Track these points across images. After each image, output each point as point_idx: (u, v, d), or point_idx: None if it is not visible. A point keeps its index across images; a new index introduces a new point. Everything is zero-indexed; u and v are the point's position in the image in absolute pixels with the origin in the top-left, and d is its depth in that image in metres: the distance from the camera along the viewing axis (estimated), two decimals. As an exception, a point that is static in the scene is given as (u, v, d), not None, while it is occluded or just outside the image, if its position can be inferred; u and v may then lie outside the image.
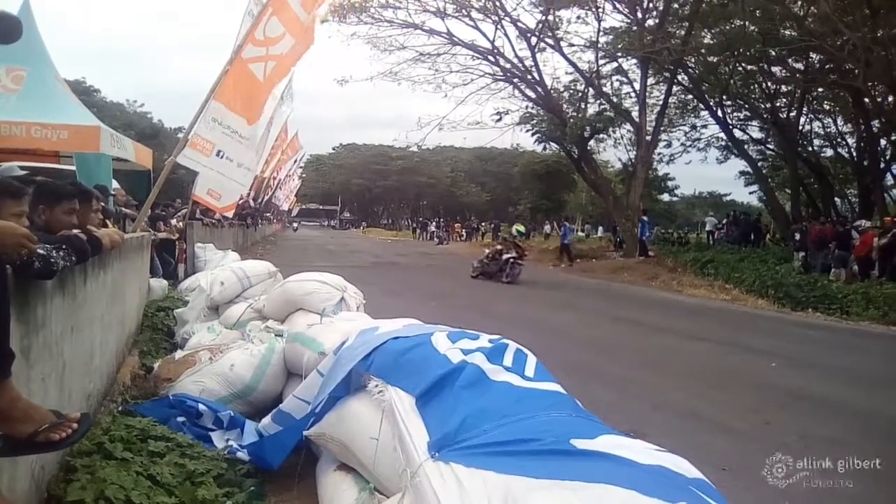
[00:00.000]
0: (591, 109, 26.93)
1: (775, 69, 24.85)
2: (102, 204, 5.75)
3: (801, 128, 27.13)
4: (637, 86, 25.11)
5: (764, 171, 31.12)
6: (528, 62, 25.38)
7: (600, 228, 47.32)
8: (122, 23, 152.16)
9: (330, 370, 3.30)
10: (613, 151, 56.97)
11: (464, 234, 49.14)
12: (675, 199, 60.83)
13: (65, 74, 9.81)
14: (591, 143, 26.88)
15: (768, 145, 30.54)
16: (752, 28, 20.74)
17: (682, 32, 22.57)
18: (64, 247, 2.55)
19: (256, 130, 7.92)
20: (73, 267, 2.79)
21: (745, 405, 5.76)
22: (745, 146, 29.40)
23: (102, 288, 4.05)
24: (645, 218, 23.78)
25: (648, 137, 24.38)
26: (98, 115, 9.81)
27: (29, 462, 2.36)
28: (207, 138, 7.10)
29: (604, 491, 1.86)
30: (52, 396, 2.65)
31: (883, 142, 23.79)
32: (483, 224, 51.53)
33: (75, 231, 3.14)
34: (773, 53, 22.48)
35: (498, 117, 27.09)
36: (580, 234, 45.25)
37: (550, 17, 23.81)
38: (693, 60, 24.67)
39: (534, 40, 24.74)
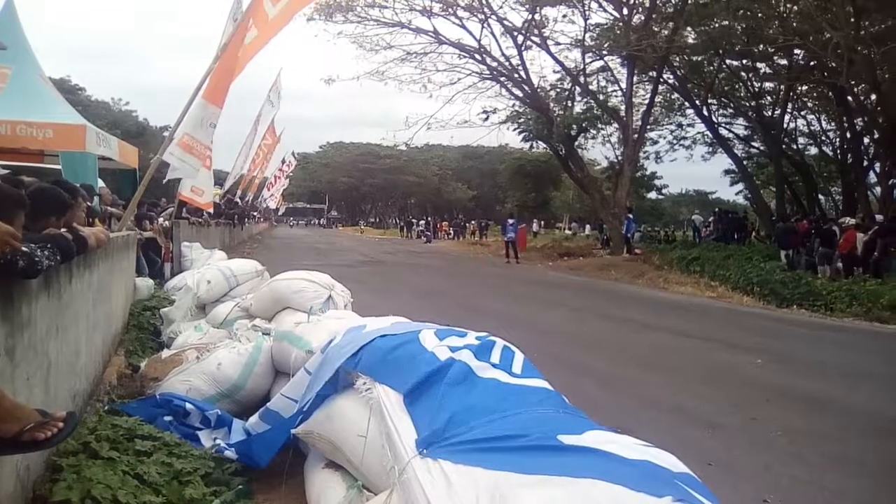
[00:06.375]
0: (578, 108, 27.09)
1: (760, 65, 25.05)
2: (88, 203, 5.72)
3: (785, 126, 27.35)
4: (623, 84, 25.24)
5: (749, 170, 31.36)
6: (515, 61, 25.46)
7: (587, 226, 47.56)
8: (108, 21, 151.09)
9: (317, 368, 3.30)
10: (600, 149, 57.38)
11: (451, 232, 49.18)
12: (661, 197, 61.19)
13: (49, 73, 9.74)
14: (579, 141, 26.97)
15: (753, 143, 30.78)
16: (737, 26, 20.88)
17: (667, 32, 22.66)
18: (49, 245, 2.53)
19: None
20: (58, 266, 2.77)
21: (731, 401, 5.81)
22: (731, 144, 29.61)
23: (88, 287, 4.02)
24: (630, 216, 23.86)
25: (635, 136, 24.49)
26: (83, 114, 9.74)
27: (14, 462, 2.34)
28: (202, 141, 7.09)
29: (591, 485, 1.87)
30: (38, 396, 2.63)
31: (866, 140, 24.04)
32: (472, 223, 51.56)
33: (61, 230, 3.12)
34: (758, 51, 22.65)
35: (485, 116, 27.18)
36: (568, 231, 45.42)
37: (537, 16, 23.85)
38: (678, 59, 24.80)
39: (520, 39, 24.79)
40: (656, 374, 6.75)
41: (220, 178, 23.89)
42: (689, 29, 22.97)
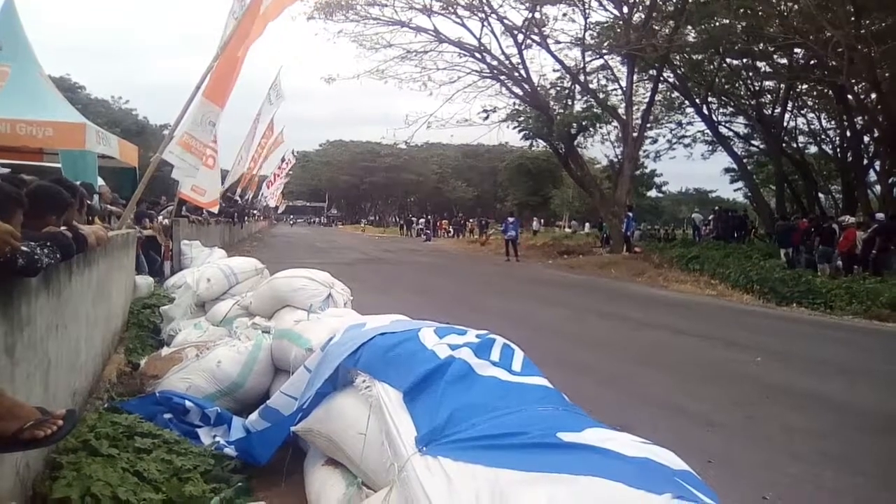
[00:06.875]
0: (578, 106, 27.07)
1: (760, 64, 25.05)
2: (88, 201, 5.72)
3: (785, 124, 27.36)
4: (623, 83, 25.22)
5: (749, 168, 31.35)
6: (515, 59, 25.47)
7: (587, 225, 47.56)
8: (108, 19, 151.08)
9: (317, 366, 3.30)
10: (600, 148, 57.40)
11: (451, 230, 49.16)
12: (661, 195, 61.23)
13: (49, 71, 9.74)
14: (578, 139, 26.96)
15: (753, 142, 30.79)
16: (737, 25, 20.87)
17: (667, 31, 22.65)
18: (48, 244, 2.53)
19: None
20: (57, 264, 2.77)
21: (730, 399, 5.81)
22: (731, 142, 29.61)
23: (88, 285, 4.02)
24: (630, 214, 23.85)
25: (635, 134, 24.48)
26: (83, 112, 9.74)
27: (14, 459, 2.34)
28: (201, 139, 7.08)
29: (590, 483, 1.88)
30: (37, 394, 2.63)
31: (866, 138, 24.03)
32: (471, 221, 51.54)
33: (60, 228, 3.12)
34: (758, 50, 22.63)
35: (485, 115, 27.16)
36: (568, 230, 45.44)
37: (537, 15, 23.83)
38: (678, 58, 24.78)
39: (520, 37, 24.78)
40: (656, 372, 6.75)
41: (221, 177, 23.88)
42: (689, 27, 22.95)
